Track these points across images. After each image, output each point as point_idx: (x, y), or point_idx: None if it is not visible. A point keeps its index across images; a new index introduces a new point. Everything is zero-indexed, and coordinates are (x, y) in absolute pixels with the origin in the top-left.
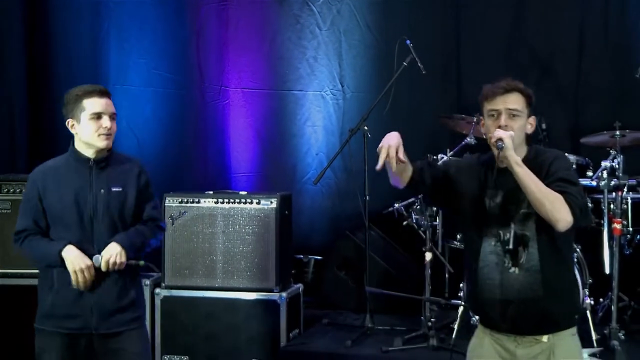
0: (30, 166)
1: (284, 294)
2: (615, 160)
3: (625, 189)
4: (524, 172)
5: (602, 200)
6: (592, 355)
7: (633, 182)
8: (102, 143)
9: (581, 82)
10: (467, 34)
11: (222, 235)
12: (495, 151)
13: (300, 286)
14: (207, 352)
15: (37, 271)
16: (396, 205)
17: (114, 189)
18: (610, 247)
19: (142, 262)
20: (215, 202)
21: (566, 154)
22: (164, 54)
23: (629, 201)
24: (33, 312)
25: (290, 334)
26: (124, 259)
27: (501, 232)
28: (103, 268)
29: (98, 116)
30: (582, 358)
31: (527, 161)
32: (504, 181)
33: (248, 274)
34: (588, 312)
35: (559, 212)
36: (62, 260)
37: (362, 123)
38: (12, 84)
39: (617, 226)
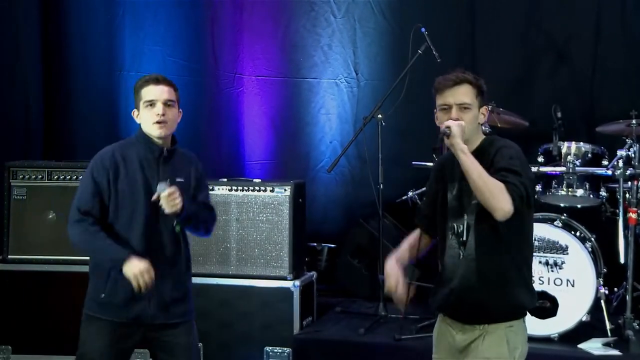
0: (45, 153)
1: (297, 282)
2: (632, 149)
3: None
4: (468, 160)
5: (617, 189)
6: (606, 344)
7: None
8: (156, 132)
9: (597, 68)
10: (482, 20)
11: (235, 223)
12: (447, 141)
13: (313, 274)
14: (221, 339)
15: (50, 257)
16: (410, 193)
17: (177, 180)
18: (625, 236)
19: (178, 228)
20: (229, 190)
21: (577, 142)
22: (178, 41)
23: None
24: (47, 296)
25: (304, 322)
26: (180, 205)
27: (455, 225)
28: (163, 196)
29: (151, 103)
30: (512, 351)
31: (477, 151)
32: (459, 173)
33: (262, 261)
34: (602, 301)
35: (497, 200)
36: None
37: (376, 111)
38: (28, 71)
39: (633, 215)
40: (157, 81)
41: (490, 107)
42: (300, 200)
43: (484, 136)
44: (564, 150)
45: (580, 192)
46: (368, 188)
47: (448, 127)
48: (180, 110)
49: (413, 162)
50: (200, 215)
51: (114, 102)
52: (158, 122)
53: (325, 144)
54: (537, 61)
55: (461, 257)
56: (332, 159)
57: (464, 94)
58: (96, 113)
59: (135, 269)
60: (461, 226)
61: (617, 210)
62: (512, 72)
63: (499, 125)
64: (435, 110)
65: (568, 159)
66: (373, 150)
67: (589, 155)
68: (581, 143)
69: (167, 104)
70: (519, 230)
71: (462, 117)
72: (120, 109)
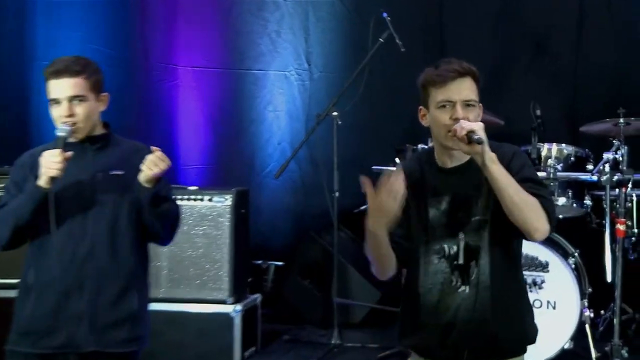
0: None
1: (238, 306)
2: (619, 152)
3: (629, 185)
4: (501, 171)
5: (603, 197)
6: None
7: (639, 177)
8: (62, 133)
9: (580, 62)
10: (452, 5)
11: None
12: (465, 147)
13: (258, 297)
14: None
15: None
16: None
17: (113, 173)
18: (613, 251)
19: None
20: None
21: (559, 144)
22: (100, 25)
23: (634, 199)
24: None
25: (246, 353)
26: (166, 165)
27: (445, 246)
28: (146, 166)
29: (55, 102)
30: None
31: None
32: (449, 184)
33: (197, 282)
34: (587, 325)
35: (537, 220)
36: (42, 194)
37: (331, 108)
38: None
39: (621, 227)
40: (57, 74)
41: None
42: (242, 210)
43: None
44: (543, 153)
45: (562, 200)
46: (321, 196)
47: (472, 131)
48: (106, 93)
49: (373, 167)
50: (171, 207)
51: (25, 96)
52: (66, 124)
53: (272, 145)
54: (513, 52)
55: (456, 284)
56: (280, 163)
57: (469, 88)
58: (6, 110)
59: (44, 164)
60: (455, 247)
61: (604, 222)
62: (485, 64)
63: (502, 123)
64: (420, 108)
65: (549, 163)
66: (327, 153)
67: (572, 158)
68: (563, 145)
69: (73, 100)
70: (520, 251)
71: (468, 116)
72: (33, 104)
